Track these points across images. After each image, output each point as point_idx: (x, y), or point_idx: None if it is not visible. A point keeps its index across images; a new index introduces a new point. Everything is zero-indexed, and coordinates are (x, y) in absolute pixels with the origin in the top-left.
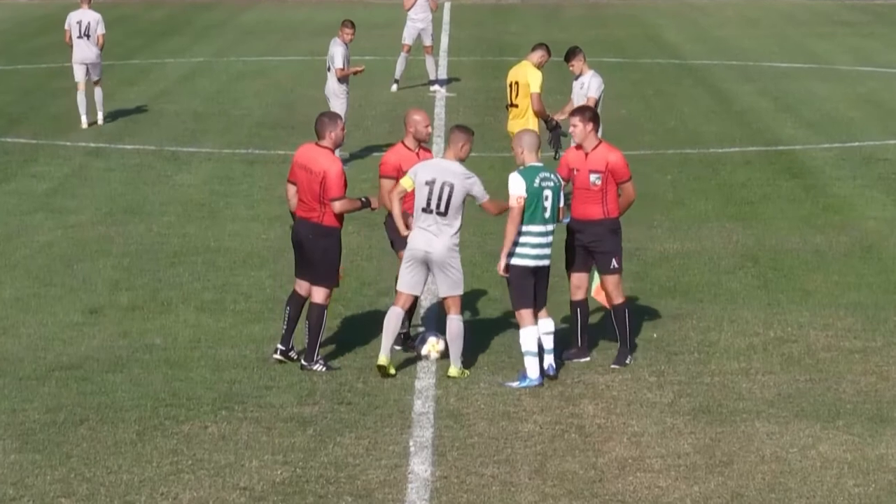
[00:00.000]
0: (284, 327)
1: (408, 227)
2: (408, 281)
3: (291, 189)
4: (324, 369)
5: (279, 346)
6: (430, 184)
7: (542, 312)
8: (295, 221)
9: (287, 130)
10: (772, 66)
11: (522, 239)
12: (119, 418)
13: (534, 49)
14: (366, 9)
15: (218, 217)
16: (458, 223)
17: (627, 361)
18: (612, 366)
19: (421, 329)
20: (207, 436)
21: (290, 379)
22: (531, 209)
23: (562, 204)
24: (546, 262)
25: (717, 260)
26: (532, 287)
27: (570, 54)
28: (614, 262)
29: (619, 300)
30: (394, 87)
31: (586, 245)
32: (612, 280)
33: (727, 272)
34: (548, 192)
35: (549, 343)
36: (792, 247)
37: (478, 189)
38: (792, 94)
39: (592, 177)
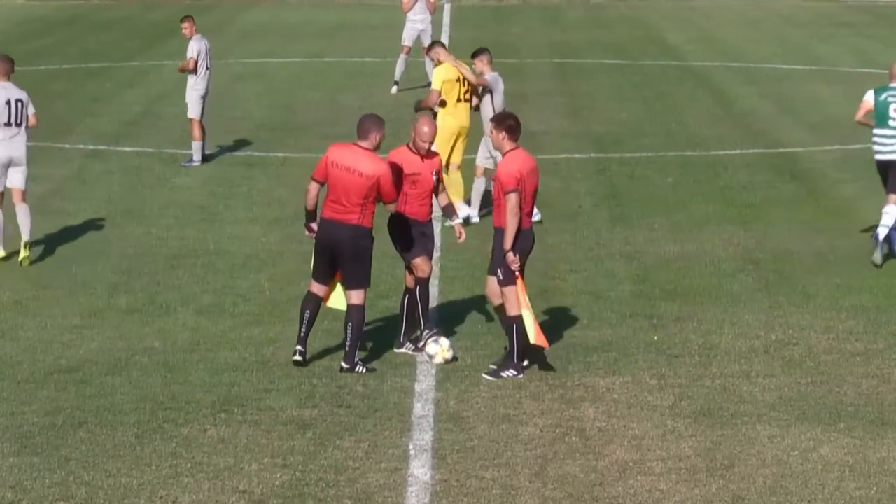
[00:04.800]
0: (304, 330)
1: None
2: None
3: (316, 188)
4: (364, 370)
5: (298, 347)
6: (8, 103)
7: None
8: (323, 223)
9: (286, 133)
10: (773, 68)
11: None
12: (118, 421)
13: (436, 52)
14: (365, 10)
15: (217, 220)
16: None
17: (504, 375)
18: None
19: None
20: (206, 439)
21: (289, 382)
22: None
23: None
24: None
25: (718, 262)
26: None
27: (476, 53)
28: (499, 272)
29: (510, 312)
30: (394, 89)
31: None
32: (502, 290)
33: (728, 275)
34: None
35: None
36: (793, 249)
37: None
38: (793, 97)
39: (491, 184)
